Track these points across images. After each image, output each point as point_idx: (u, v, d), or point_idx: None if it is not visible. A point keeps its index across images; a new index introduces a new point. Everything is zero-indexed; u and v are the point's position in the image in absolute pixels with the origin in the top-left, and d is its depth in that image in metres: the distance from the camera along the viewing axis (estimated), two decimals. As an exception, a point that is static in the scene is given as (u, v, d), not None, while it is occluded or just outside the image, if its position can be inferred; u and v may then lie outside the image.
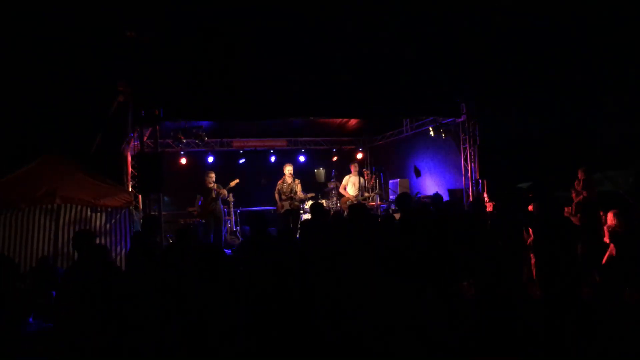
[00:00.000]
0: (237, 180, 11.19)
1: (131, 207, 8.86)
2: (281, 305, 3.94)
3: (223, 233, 11.25)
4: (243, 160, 13.47)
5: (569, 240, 4.71)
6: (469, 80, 10.17)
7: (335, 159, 14.42)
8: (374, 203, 12.19)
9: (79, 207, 8.35)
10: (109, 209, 8.54)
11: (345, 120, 12.58)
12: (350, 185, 11.83)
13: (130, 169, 10.45)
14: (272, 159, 13.79)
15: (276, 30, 9.40)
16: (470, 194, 10.38)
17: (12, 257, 7.38)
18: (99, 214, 8.47)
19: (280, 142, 13.99)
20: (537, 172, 10.57)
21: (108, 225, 8.55)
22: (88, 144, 10.02)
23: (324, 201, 12.21)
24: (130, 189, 9.58)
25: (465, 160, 10.57)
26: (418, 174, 11.87)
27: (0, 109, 9.80)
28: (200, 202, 10.96)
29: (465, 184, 10.56)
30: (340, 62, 9.75)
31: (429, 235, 4.67)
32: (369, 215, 5.37)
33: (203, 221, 10.91)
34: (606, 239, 6.48)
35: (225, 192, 11.05)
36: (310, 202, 10.18)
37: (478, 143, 10.24)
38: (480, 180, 10.20)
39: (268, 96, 9.46)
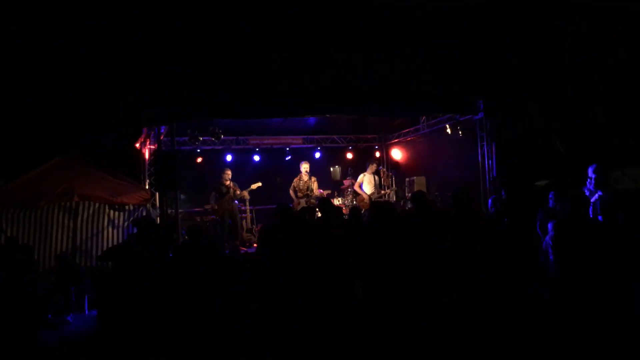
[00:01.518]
0: (259, 184, 11.22)
1: (148, 205, 8.94)
2: (285, 309, 3.91)
3: (239, 231, 11.28)
4: (258, 157, 13.49)
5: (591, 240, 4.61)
6: (486, 77, 10.05)
7: (351, 156, 14.39)
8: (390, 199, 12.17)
9: (97, 204, 8.44)
10: (127, 207, 8.62)
11: (361, 117, 12.53)
12: (366, 184, 11.79)
13: (147, 167, 10.55)
14: (288, 156, 13.80)
15: (291, 28, 9.38)
16: (489, 192, 10.28)
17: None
18: (116, 212, 8.56)
19: (296, 140, 13.99)
20: (556, 170, 10.41)
21: (126, 223, 8.64)
22: (105, 142, 10.11)
23: (339, 199, 12.20)
24: (147, 187, 9.66)
25: (483, 157, 10.47)
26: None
27: (17, 109, 9.91)
28: (214, 199, 11.01)
29: (482, 182, 10.46)
30: (356, 60, 9.70)
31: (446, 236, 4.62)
32: (394, 214, 5.27)
33: (218, 218, 10.96)
34: None
35: (246, 194, 11.11)
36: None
37: (495, 140, 10.12)
38: (497, 178, 10.09)
39: (284, 94, 9.45)
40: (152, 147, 10.70)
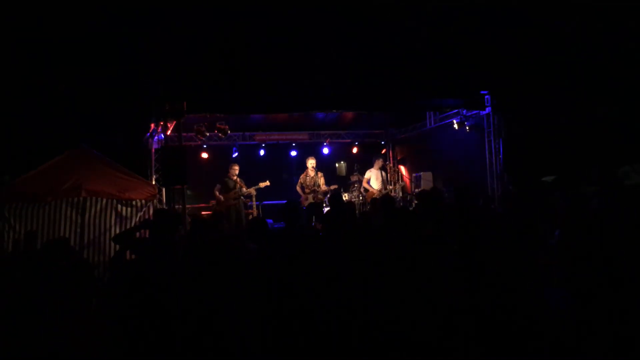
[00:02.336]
0: (267, 183, 11.22)
1: (155, 200, 8.95)
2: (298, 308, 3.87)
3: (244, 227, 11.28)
4: (264, 152, 13.51)
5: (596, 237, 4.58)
6: (493, 73, 10.00)
7: (357, 151, 14.36)
8: (396, 195, 12.17)
9: (105, 200, 8.45)
10: (134, 202, 8.63)
11: (368, 113, 12.50)
12: (373, 179, 11.80)
13: (154, 162, 10.57)
14: (294, 152, 13.80)
15: (298, 22, 9.37)
16: (496, 187, 10.25)
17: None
18: (124, 207, 8.57)
19: (302, 136, 13.97)
20: (563, 166, 10.37)
21: (133, 218, 8.65)
22: (112, 137, 10.14)
23: (346, 194, 12.19)
24: (154, 182, 9.67)
25: (490, 153, 10.43)
26: None
27: (25, 104, 9.95)
28: (219, 192, 10.98)
29: (489, 177, 10.42)
30: (363, 55, 9.68)
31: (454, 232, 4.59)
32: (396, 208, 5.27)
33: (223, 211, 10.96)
34: None
35: (252, 190, 11.10)
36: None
37: (503, 136, 10.08)
38: (504, 174, 10.06)
39: (290, 89, 9.45)
40: (159, 142, 10.71)
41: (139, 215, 8.55)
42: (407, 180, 13.90)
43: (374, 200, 7.31)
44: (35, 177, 8.33)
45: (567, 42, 9.74)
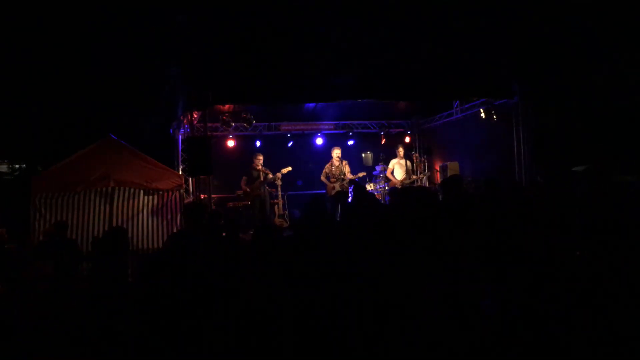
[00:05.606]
0: (289, 168, 11.25)
1: (182, 190, 9.07)
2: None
3: (270, 217, 11.35)
4: (290, 143, 13.52)
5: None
6: (522, 61, 9.79)
7: (383, 141, 14.25)
8: (422, 185, 12.09)
9: (132, 189, 8.62)
10: (161, 192, 8.78)
11: (394, 102, 12.39)
12: (397, 169, 11.73)
13: (181, 152, 10.70)
14: (320, 141, 13.76)
15: (324, 12, 9.31)
16: (523, 178, 10.08)
17: (71, 238, 7.73)
18: (150, 197, 8.72)
19: (328, 125, 13.94)
20: (595, 156, 10.13)
21: (160, 208, 8.80)
22: (140, 127, 10.29)
23: (371, 184, 12.15)
24: (180, 172, 9.80)
25: (518, 143, 10.25)
26: None
27: (56, 97, 10.15)
28: (245, 184, 11.07)
29: (517, 168, 10.25)
30: (388, 43, 9.57)
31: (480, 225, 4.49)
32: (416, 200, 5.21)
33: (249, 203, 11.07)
34: None
35: (279, 175, 11.13)
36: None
37: (531, 125, 9.88)
38: (533, 164, 9.88)
39: (315, 79, 9.42)
40: (186, 132, 10.84)
41: (164, 203, 8.70)
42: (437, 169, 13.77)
43: (393, 190, 7.25)
44: (66, 168, 8.53)
45: (599, 29, 9.47)
